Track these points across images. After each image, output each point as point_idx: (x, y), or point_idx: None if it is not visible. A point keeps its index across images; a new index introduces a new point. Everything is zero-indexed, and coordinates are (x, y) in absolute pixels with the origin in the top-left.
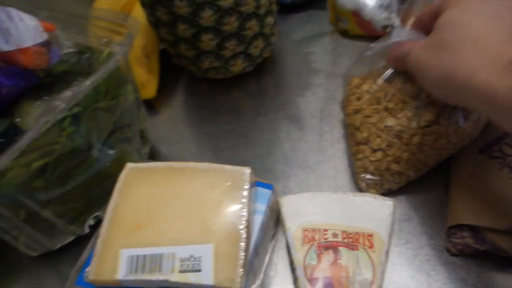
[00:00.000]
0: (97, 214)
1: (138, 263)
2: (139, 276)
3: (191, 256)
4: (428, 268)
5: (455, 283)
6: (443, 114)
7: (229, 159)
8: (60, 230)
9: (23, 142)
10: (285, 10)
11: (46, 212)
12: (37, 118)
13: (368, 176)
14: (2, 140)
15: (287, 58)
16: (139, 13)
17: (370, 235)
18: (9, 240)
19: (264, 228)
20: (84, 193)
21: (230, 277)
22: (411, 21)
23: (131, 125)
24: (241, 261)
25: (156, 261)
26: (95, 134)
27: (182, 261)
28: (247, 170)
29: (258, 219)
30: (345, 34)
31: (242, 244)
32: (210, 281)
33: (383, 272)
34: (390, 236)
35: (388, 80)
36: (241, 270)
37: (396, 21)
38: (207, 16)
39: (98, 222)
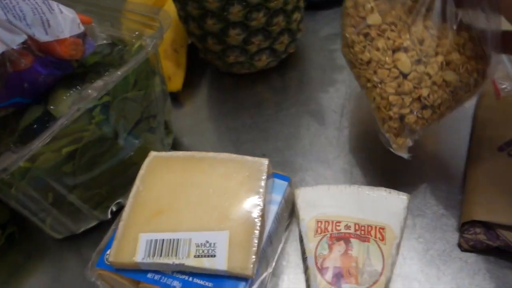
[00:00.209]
0: (119, 200)
1: (156, 247)
2: (156, 260)
3: (207, 242)
4: (438, 262)
5: (465, 278)
6: None
7: (249, 152)
8: (84, 215)
9: (55, 128)
10: (313, 7)
11: (72, 196)
12: (69, 106)
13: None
14: (35, 126)
15: (312, 54)
16: (170, 8)
17: (382, 228)
18: (36, 222)
19: (278, 218)
20: (109, 180)
21: (243, 264)
22: None
23: (157, 115)
24: (254, 249)
25: (173, 246)
26: (122, 123)
27: (197, 246)
28: (265, 161)
29: (273, 209)
30: None
31: (256, 232)
32: (223, 267)
33: (393, 264)
34: (403, 230)
35: None
36: (254, 257)
37: None
38: (236, 11)
39: (120, 208)
